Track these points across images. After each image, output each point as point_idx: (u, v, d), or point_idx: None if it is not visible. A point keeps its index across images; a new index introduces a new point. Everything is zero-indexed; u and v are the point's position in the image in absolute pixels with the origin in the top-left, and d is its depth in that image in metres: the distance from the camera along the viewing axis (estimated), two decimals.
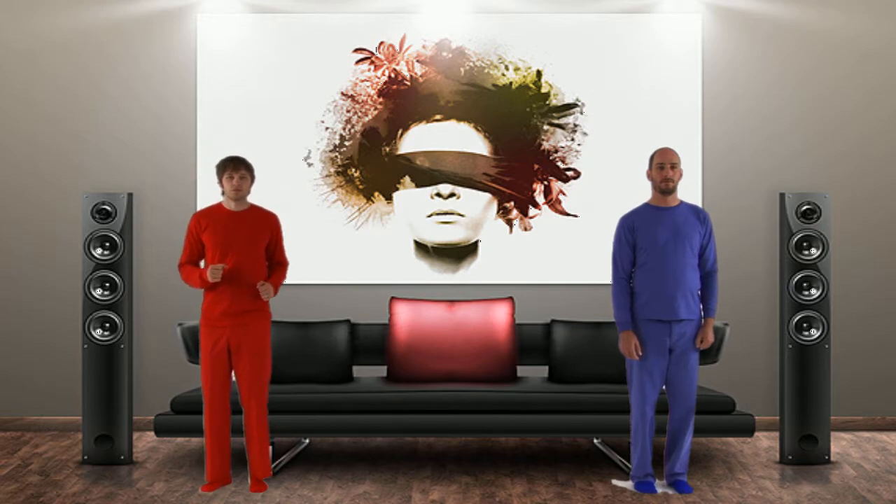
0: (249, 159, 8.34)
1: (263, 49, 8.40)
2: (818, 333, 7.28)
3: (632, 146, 8.36)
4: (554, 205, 8.39)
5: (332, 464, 7.24)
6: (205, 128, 8.39)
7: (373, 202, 8.39)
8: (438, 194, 8.36)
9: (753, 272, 8.39)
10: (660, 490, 6.53)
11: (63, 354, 8.32)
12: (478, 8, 8.41)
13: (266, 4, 8.42)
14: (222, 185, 6.67)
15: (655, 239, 6.51)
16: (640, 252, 6.54)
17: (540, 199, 8.38)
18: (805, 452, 7.26)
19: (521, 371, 7.99)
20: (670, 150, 6.58)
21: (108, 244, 7.27)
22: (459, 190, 8.36)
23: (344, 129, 8.38)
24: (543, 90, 8.38)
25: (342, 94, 8.38)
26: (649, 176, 6.61)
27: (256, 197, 8.35)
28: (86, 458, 7.25)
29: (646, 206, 6.62)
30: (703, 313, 6.56)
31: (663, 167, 6.55)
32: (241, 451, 7.58)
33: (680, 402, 6.53)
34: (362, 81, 8.39)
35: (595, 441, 7.85)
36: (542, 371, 8.06)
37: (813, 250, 7.28)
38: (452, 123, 8.38)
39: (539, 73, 8.38)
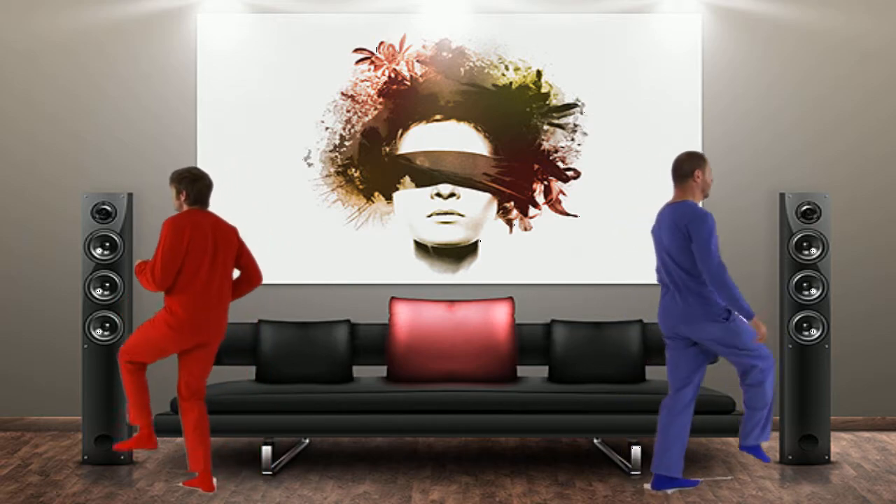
0: (250, 159, 8.39)
1: (263, 49, 8.40)
2: (818, 333, 7.28)
3: (632, 146, 8.36)
4: (554, 205, 8.39)
5: (332, 464, 7.24)
6: (205, 128, 8.39)
7: (373, 202, 8.39)
8: (438, 194, 8.36)
9: (753, 272, 8.38)
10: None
11: (63, 354, 8.32)
12: (478, 8, 8.41)
13: (266, 4, 8.42)
14: None
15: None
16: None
17: (540, 199, 8.38)
18: (805, 452, 7.26)
19: (521, 371, 7.98)
20: None
21: (108, 244, 7.27)
22: (459, 190, 8.36)
23: (344, 129, 8.38)
24: (543, 90, 8.38)
25: (342, 94, 8.38)
26: (699, 178, 6.45)
27: (256, 197, 8.37)
28: (86, 458, 7.25)
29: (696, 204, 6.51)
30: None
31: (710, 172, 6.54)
32: (241, 450, 7.58)
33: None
34: (362, 81, 8.39)
35: (595, 441, 7.85)
36: (542, 371, 8.06)
37: (813, 250, 7.29)
38: (452, 123, 8.38)
39: (539, 73, 8.38)
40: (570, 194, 8.39)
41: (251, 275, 6.62)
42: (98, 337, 7.24)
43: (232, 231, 6.53)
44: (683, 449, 6.40)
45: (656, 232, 6.56)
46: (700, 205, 6.44)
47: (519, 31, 8.38)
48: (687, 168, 6.47)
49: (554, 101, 8.39)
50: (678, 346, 6.43)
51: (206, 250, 6.38)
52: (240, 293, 6.64)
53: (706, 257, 6.27)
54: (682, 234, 6.35)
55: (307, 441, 7.84)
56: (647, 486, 6.59)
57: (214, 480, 6.50)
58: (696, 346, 6.43)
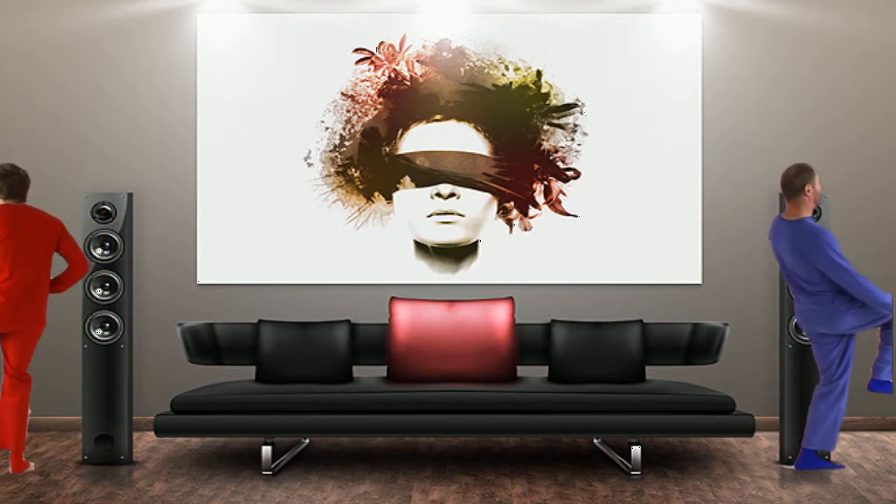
0: (250, 159, 8.39)
1: (263, 49, 8.40)
2: None
3: (632, 146, 8.36)
4: (554, 205, 8.39)
5: (332, 464, 7.24)
6: (205, 128, 8.39)
7: (373, 202, 8.39)
8: (438, 194, 8.36)
9: (753, 272, 8.39)
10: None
11: (63, 354, 8.32)
12: (478, 8, 8.41)
13: (266, 4, 8.42)
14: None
15: None
16: None
17: (540, 199, 8.38)
18: None
19: (521, 371, 7.99)
20: None
21: (108, 244, 7.27)
22: (459, 190, 8.36)
23: (344, 129, 8.39)
24: (543, 90, 8.38)
25: (342, 94, 8.39)
26: (810, 191, 6.86)
27: (256, 197, 8.37)
28: (86, 458, 7.25)
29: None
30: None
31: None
32: (241, 450, 7.59)
33: None
34: (362, 81, 8.39)
35: (595, 441, 7.85)
36: (542, 371, 8.06)
37: None
38: (452, 123, 8.38)
39: (539, 73, 8.38)
40: (570, 194, 8.39)
41: (75, 264, 7.05)
42: (98, 337, 7.24)
43: (49, 224, 6.98)
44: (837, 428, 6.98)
45: (775, 244, 6.97)
46: (812, 217, 6.88)
47: (519, 31, 8.39)
48: (798, 184, 6.89)
49: (554, 101, 8.39)
50: (822, 341, 6.95)
51: (19, 244, 6.85)
52: (66, 282, 7.09)
53: (839, 274, 6.73)
54: (802, 255, 6.78)
55: (307, 441, 7.84)
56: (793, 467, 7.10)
57: (32, 465, 7.06)
58: (842, 339, 6.96)
